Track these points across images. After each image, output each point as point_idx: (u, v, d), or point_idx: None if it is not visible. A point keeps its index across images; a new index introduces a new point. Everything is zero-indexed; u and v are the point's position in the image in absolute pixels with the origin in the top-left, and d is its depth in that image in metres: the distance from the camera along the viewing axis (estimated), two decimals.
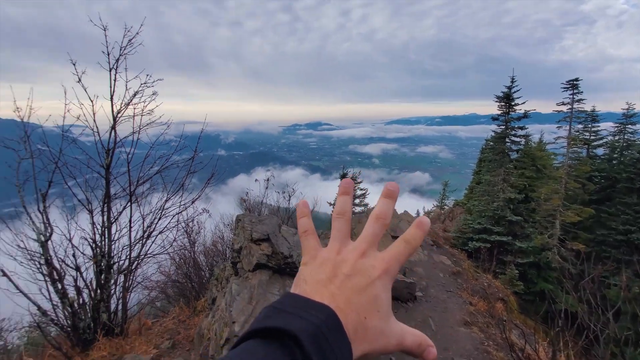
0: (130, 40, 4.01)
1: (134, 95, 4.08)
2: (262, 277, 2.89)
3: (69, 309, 3.69)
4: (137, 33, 4.07)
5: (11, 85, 4.01)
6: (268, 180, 6.34)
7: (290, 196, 7.08)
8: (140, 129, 4.02)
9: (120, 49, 4.00)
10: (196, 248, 5.84)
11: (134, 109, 3.98)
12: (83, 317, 3.70)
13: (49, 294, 3.69)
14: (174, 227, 4.44)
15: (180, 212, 4.22)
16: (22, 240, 3.66)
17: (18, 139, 3.76)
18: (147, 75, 4.22)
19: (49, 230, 3.63)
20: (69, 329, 3.74)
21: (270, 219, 3.49)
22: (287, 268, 3.08)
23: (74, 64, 3.77)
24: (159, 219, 4.12)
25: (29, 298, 3.58)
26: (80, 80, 3.77)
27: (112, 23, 4.09)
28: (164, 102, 4.54)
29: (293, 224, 6.27)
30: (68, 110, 3.78)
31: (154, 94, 4.19)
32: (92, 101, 3.86)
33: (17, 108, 3.79)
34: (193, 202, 4.59)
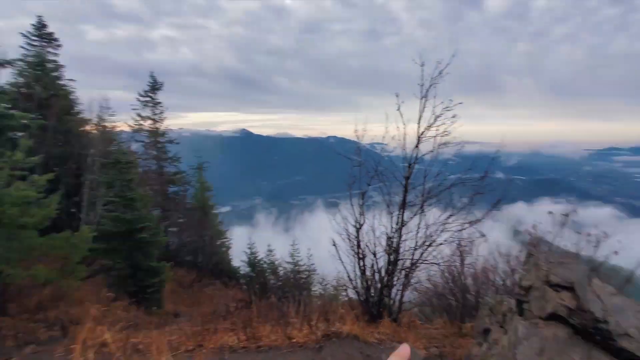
0: (440, 72, 4.56)
1: (437, 118, 4.60)
2: (559, 332, 2.41)
3: (365, 283, 4.77)
4: (448, 64, 4.55)
5: (355, 115, 5.69)
6: (567, 215, 5.13)
7: (598, 242, 5.36)
8: (438, 147, 4.48)
9: (431, 80, 4.62)
10: (465, 269, 5.74)
11: (436, 130, 4.49)
12: (373, 294, 4.66)
13: (354, 268, 4.94)
14: (451, 242, 4.62)
15: (462, 229, 4.31)
16: (345, 224, 5.12)
17: (353, 152, 5.32)
18: (449, 99, 4.63)
19: (363, 220, 4.84)
20: (362, 298, 4.84)
21: (576, 264, 2.83)
22: (597, 335, 2.38)
23: (397, 96, 4.78)
24: (441, 231, 4.42)
25: (344, 265, 4.96)
26: (399, 108, 4.73)
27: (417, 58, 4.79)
28: (458, 124, 4.81)
29: (603, 279, 4.74)
30: (387, 132, 4.88)
31: (454, 116, 4.53)
32: (404, 125, 4.75)
33: (356, 130, 5.32)
34: (473, 224, 4.56)
